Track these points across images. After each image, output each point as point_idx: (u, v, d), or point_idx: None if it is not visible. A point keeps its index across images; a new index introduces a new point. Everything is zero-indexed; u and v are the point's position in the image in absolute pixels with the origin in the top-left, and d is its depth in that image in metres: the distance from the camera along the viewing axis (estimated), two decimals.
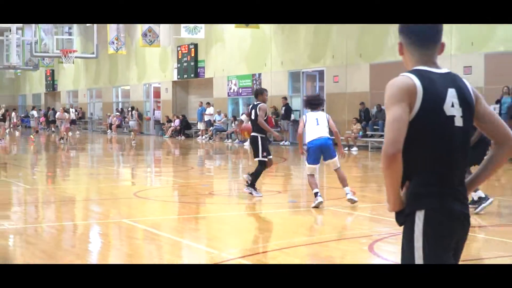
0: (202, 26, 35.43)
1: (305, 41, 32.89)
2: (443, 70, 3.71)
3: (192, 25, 35.19)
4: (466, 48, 25.29)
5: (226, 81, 38.68)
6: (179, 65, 42.43)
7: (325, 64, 31.85)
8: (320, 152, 12.22)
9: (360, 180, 18.36)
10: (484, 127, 3.75)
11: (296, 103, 34.08)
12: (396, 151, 3.44)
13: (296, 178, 18.39)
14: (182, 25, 35.23)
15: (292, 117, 33.06)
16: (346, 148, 28.07)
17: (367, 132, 28.77)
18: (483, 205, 11.25)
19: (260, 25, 33.46)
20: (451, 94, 3.61)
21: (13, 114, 50.94)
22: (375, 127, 28.63)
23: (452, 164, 3.61)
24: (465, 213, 3.63)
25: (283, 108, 33.08)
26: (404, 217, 3.63)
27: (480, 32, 24.73)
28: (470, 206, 11.18)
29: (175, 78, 43.43)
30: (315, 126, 12.27)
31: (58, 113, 40.00)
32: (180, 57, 42.21)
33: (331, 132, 12.53)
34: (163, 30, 41.41)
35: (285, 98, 33.34)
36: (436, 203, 3.56)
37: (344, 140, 28.75)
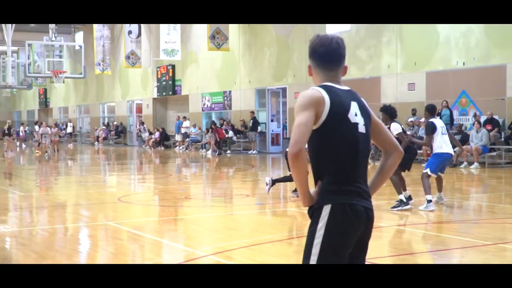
0: (178, 49, 35.41)
1: (270, 62, 32.99)
2: (345, 87, 3.79)
3: (169, 48, 35.13)
4: (410, 67, 25.52)
5: (200, 98, 38.64)
6: (158, 84, 42.31)
7: (287, 82, 31.94)
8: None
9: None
10: (376, 137, 3.85)
11: (263, 116, 34.13)
12: (298, 149, 3.48)
13: (262, 183, 18.35)
14: (161, 48, 35.17)
15: (259, 129, 33.13)
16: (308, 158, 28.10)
17: None
18: (402, 207, 11.37)
19: (230, 47, 33.50)
20: (354, 106, 3.70)
21: (21, 128, 49.81)
22: None
23: (357, 165, 3.67)
24: (368, 209, 3.67)
25: (251, 121, 33.11)
26: (312, 211, 3.67)
27: (422, 53, 24.97)
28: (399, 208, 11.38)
29: (155, 95, 43.30)
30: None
31: (41, 128, 37.61)
32: (159, 76, 42.10)
33: None
34: (144, 53, 41.32)
35: (252, 112, 33.39)
36: (342, 199, 3.59)
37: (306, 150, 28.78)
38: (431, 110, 12.16)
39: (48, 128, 36.93)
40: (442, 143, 11.61)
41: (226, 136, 33.74)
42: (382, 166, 3.87)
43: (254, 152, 32.30)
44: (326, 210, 3.59)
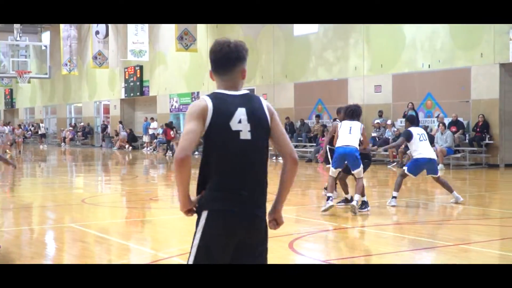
0: (146, 50, 35.29)
1: None
2: (241, 92, 3.83)
3: (137, 49, 35.00)
4: (376, 70, 25.75)
5: (168, 99, 38.54)
6: (126, 85, 42.12)
7: (255, 83, 32.01)
8: (343, 160, 11.42)
9: None
10: (273, 141, 3.87)
11: None
12: (184, 156, 3.58)
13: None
14: (129, 48, 35.04)
15: None
16: (274, 157, 28.24)
17: (292, 143, 28.93)
18: (363, 210, 11.55)
19: (198, 48, 33.47)
20: (241, 112, 3.72)
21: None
22: (299, 138, 28.85)
23: (242, 173, 3.71)
24: (252, 216, 3.72)
25: None
26: (198, 217, 3.77)
27: (388, 55, 25.22)
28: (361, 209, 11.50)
29: (123, 96, 43.08)
30: (347, 134, 11.39)
31: None
32: (127, 77, 41.91)
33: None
34: (112, 53, 41.08)
35: None
36: (219, 205, 3.67)
37: (272, 150, 28.90)
38: (411, 121, 13.12)
39: (5, 128, 34.89)
40: (420, 149, 12.41)
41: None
42: (281, 174, 3.88)
43: None
44: (203, 216, 3.70)
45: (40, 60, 49.63)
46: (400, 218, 11.35)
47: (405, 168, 12.81)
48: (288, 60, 29.97)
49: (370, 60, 26.01)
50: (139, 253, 8.64)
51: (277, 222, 3.95)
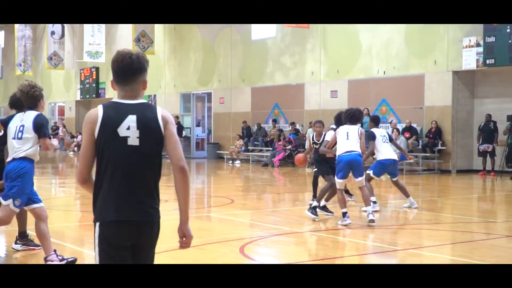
0: (103, 51, 34.97)
1: (195, 66, 33.01)
2: (137, 101, 3.91)
3: (94, 50, 34.66)
4: (333, 75, 25.99)
5: None
6: (81, 87, 41.72)
7: (213, 87, 32.03)
8: (349, 167, 10.72)
9: (242, 189, 18.52)
10: (166, 149, 3.91)
11: (188, 121, 34.11)
12: (82, 180, 3.88)
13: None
14: (85, 50, 34.68)
15: (184, 134, 33.07)
16: (231, 161, 28.28)
17: (249, 147, 29.04)
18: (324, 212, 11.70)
19: (156, 51, 33.30)
20: (130, 119, 3.80)
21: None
22: (255, 142, 28.93)
23: (131, 179, 3.80)
24: (141, 221, 3.82)
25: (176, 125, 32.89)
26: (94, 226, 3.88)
27: (344, 61, 25.47)
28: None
29: (78, 98, 42.67)
30: (345, 140, 10.74)
31: None
32: (82, 79, 41.52)
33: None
34: (67, 54, 40.64)
35: (176, 117, 33.25)
36: (109, 215, 3.78)
37: (229, 154, 28.96)
38: (375, 121, 13.06)
39: None
40: (383, 151, 12.47)
41: None
42: (175, 184, 3.94)
43: None
44: (97, 226, 3.83)
45: None
46: (353, 223, 11.47)
47: (370, 172, 12.62)
48: (246, 64, 30.05)
49: (327, 65, 26.24)
50: (92, 260, 8.57)
51: (185, 235, 4.00)
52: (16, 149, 7.49)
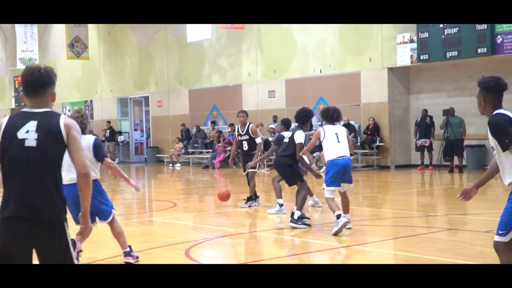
0: (36, 58, 34.29)
1: (131, 70, 32.63)
2: (42, 110, 4.11)
3: (27, 57, 33.97)
4: (270, 75, 26.01)
5: (61, 108, 37.57)
6: (16, 94, 40.81)
7: (150, 90, 31.71)
8: (343, 173, 9.72)
9: (183, 192, 18.33)
10: (70, 154, 4.08)
11: (125, 125, 33.69)
12: None
13: (125, 193, 18.06)
14: (18, 57, 33.97)
15: (122, 138, 32.69)
16: (171, 165, 28.02)
17: (189, 150, 28.82)
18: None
19: (90, 56, 32.78)
20: (31, 124, 4.02)
21: None
22: (195, 145, 28.73)
23: (23, 178, 3.98)
24: (33, 219, 3.95)
25: (108, 131, 32.36)
26: None
27: (281, 61, 25.52)
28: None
29: (13, 106, 41.69)
30: (335, 143, 9.72)
31: None
32: (17, 86, 40.61)
33: None
34: (0, 62, 39.72)
35: (108, 122, 32.81)
36: (7, 212, 3.96)
37: (169, 158, 28.69)
38: (286, 124, 12.64)
39: None
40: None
41: None
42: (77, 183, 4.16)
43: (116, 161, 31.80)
44: None
45: None
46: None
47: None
48: (182, 66, 29.82)
49: (263, 66, 26.24)
50: None
51: (84, 224, 4.28)
52: None
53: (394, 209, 13.06)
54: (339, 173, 9.60)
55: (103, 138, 32.28)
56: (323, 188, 9.73)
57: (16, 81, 40.46)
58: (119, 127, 33.59)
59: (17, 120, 4.08)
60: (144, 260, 8.19)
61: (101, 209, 7.86)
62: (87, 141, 7.45)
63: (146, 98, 32.41)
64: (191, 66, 29.31)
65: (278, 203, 11.90)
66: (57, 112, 4.18)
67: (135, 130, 33.48)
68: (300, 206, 10.30)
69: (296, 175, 10.76)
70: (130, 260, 7.83)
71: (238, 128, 12.92)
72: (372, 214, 12.24)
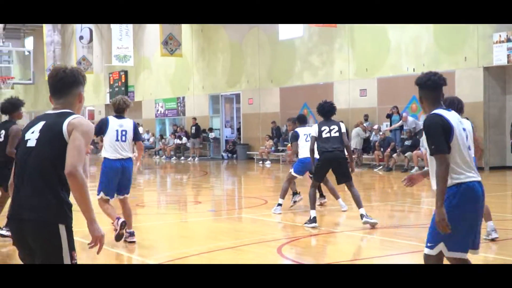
0: (131, 55, 35.20)
1: (223, 68, 33.08)
2: (58, 111, 4.11)
3: (122, 54, 34.91)
4: (362, 74, 25.86)
5: (153, 104, 38.51)
6: (111, 90, 42.01)
7: (241, 88, 32.06)
8: (329, 166, 10.59)
9: (272, 189, 18.49)
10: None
11: (217, 122, 34.22)
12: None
13: (215, 190, 18.42)
14: (113, 53, 34.92)
15: (213, 135, 33.25)
16: (261, 162, 28.30)
17: (279, 147, 29.01)
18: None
19: (183, 53, 33.45)
20: (39, 125, 4.06)
21: None
22: (285, 143, 28.88)
23: (23, 178, 4.00)
24: (25, 221, 3.94)
25: (193, 127, 33.00)
26: None
27: (373, 59, 25.34)
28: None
29: (108, 102, 42.91)
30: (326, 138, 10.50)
31: None
32: (111, 82, 41.83)
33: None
34: (96, 58, 41.00)
35: (194, 119, 33.45)
36: (9, 212, 4.08)
37: (259, 155, 28.99)
38: (300, 120, 12.82)
39: None
40: (305, 149, 11.84)
41: (180, 142, 33.69)
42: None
43: (191, 159, 32.31)
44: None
45: (23, 66, 49.41)
46: (384, 222, 11.41)
47: (291, 170, 12.31)
48: (274, 64, 30.04)
49: (355, 64, 26.13)
50: (127, 260, 8.65)
51: (91, 235, 4.07)
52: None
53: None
54: (327, 167, 10.53)
55: (189, 135, 32.89)
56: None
57: (111, 78, 41.69)
58: (210, 124, 34.13)
59: (33, 121, 4.14)
60: (235, 257, 8.40)
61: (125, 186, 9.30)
62: (128, 123, 9.40)
63: (238, 95, 32.81)
64: (283, 64, 29.49)
65: (280, 203, 12.15)
66: (71, 112, 4.09)
67: (226, 127, 33.95)
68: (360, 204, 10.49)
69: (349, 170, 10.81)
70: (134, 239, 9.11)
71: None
72: None
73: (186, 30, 34.03)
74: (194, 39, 34.77)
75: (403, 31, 24.23)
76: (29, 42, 50.79)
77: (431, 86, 5.10)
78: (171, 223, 12.13)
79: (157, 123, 38.63)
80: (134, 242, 9.12)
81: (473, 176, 4.94)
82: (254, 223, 11.52)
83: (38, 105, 53.23)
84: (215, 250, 8.80)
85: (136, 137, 9.38)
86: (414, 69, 24.04)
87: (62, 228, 3.95)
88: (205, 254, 8.49)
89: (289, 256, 8.43)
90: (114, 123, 9.40)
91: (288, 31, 29.00)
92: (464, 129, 5.06)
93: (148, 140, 36.94)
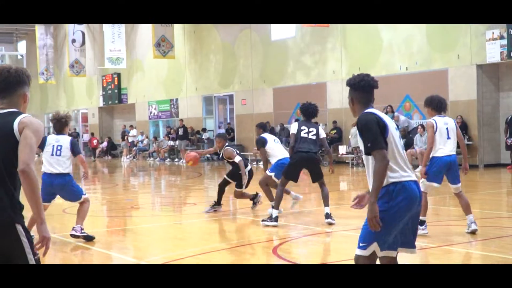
0: (124, 57, 35.17)
1: (216, 69, 33.04)
2: (4, 111, 4.02)
3: (114, 56, 34.87)
4: (354, 73, 25.77)
5: (147, 106, 38.45)
6: (104, 93, 41.96)
7: (234, 89, 32.03)
8: (302, 167, 10.92)
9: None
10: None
11: (210, 123, 34.18)
12: None
13: (210, 191, 18.35)
14: (106, 56, 34.89)
15: (207, 135, 33.20)
16: (255, 163, 28.25)
17: None
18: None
19: (176, 55, 33.41)
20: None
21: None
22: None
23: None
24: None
25: (181, 129, 32.99)
26: None
27: (366, 58, 25.33)
28: None
29: (101, 104, 42.91)
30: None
31: None
32: (105, 85, 41.76)
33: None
34: (89, 61, 40.89)
35: (181, 120, 33.53)
36: None
37: (253, 155, 28.94)
38: (263, 127, 12.84)
39: None
40: (277, 152, 12.08)
41: (174, 144, 33.62)
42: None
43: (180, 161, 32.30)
44: None
45: None
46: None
47: (271, 174, 11.96)
48: (266, 65, 30.02)
49: (348, 63, 26.11)
50: (121, 262, 8.59)
51: (39, 236, 3.96)
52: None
53: (483, 209, 12.80)
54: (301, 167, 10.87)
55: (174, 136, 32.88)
56: None
57: (104, 80, 41.62)
58: (203, 125, 34.09)
59: None
60: (231, 258, 8.34)
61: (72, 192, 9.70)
62: (65, 140, 9.59)
63: (231, 96, 32.78)
64: (275, 64, 29.46)
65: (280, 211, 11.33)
66: (20, 112, 4.08)
67: (219, 128, 33.90)
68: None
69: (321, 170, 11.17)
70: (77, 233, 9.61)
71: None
72: (460, 214, 11.99)
73: (179, 32, 33.97)
74: (186, 40, 34.72)
75: (395, 30, 24.23)
76: (21, 45, 50.63)
77: (365, 87, 5.02)
78: (166, 225, 12.06)
79: (150, 125, 38.56)
80: (75, 236, 9.66)
81: (409, 175, 4.79)
82: (249, 224, 11.47)
83: (31, 108, 53.08)
84: (210, 251, 8.74)
85: (74, 152, 9.68)
86: (407, 67, 24.06)
87: (19, 227, 3.92)
88: (201, 255, 8.44)
89: (285, 257, 8.38)
90: (52, 139, 9.64)
91: (280, 32, 28.97)
92: (396, 128, 4.95)
93: (142, 142, 36.87)
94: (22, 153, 3.84)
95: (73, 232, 9.66)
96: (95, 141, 40.31)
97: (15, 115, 3.97)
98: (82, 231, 9.69)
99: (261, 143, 12.17)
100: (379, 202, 4.64)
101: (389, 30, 24.42)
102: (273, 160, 12.09)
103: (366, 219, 4.67)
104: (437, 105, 9.31)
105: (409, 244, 4.90)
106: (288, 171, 10.89)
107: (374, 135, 4.67)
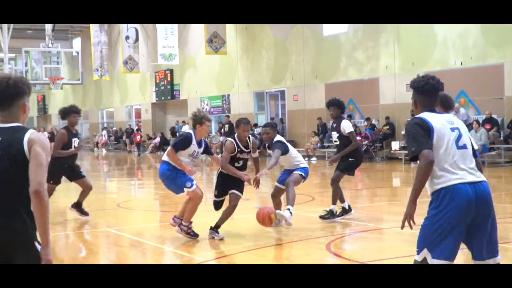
0: (176, 53, 35.41)
1: (268, 65, 33.05)
2: (10, 124, 3.91)
3: (167, 53, 35.14)
4: (408, 68, 25.55)
5: (199, 102, 38.69)
6: (157, 89, 42.38)
7: (286, 85, 32.00)
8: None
9: (319, 186, 18.40)
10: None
11: (262, 119, 34.19)
12: None
13: (262, 187, 18.32)
14: (159, 52, 35.19)
15: (258, 131, 33.21)
16: (307, 158, 28.17)
17: (324, 144, 28.86)
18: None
19: (228, 51, 33.53)
20: None
21: (104, 132, 48.50)
22: (331, 139, 28.69)
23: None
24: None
25: (227, 125, 33.10)
26: None
27: (419, 53, 25.02)
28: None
29: (154, 100, 43.36)
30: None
31: None
32: (157, 81, 42.17)
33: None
34: (142, 58, 41.32)
35: (227, 116, 33.60)
36: None
37: (305, 151, 28.86)
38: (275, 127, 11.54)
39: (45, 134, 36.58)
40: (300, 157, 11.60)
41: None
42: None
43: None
44: None
45: (71, 66, 50.18)
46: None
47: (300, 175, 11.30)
48: (318, 60, 29.89)
49: (401, 59, 25.83)
50: (175, 256, 8.65)
51: (44, 259, 3.85)
52: None
53: None
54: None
55: (221, 132, 32.99)
56: None
57: (157, 76, 42.04)
58: (255, 120, 34.13)
59: None
60: (283, 253, 8.33)
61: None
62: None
63: (282, 92, 32.75)
64: (328, 60, 29.33)
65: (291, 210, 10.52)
66: (25, 127, 3.99)
67: None
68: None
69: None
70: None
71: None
72: None
73: (231, 28, 34.07)
74: (238, 37, 34.80)
75: (450, 25, 23.84)
76: (76, 43, 51.47)
77: (429, 91, 4.74)
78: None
79: None
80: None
81: (460, 177, 4.52)
82: (301, 220, 11.42)
83: (86, 104, 53.93)
84: (263, 247, 8.74)
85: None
86: (461, 63, 23.67)
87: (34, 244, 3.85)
88: (253, 250, 8.44)
89: (338, 253, 8.33)
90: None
91: (333, 27, 28.81)
92: (452, 129, 4.65)
93: None
94: (35, 174, 3.77)
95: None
96: (138, 137, 40.81)
97: (21, 131, 3.89)
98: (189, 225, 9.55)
99: (284, 150, 10.75)
100: (428, 207, 4.56)
101: (443, 25, 24.03)
102: (302, 165, 11.22)
103: (422, 223, 4.54)
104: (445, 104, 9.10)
105: (480, 257, 4.72)
106: (351, 168, 11.41)
107: (415, 139, 4.50)
